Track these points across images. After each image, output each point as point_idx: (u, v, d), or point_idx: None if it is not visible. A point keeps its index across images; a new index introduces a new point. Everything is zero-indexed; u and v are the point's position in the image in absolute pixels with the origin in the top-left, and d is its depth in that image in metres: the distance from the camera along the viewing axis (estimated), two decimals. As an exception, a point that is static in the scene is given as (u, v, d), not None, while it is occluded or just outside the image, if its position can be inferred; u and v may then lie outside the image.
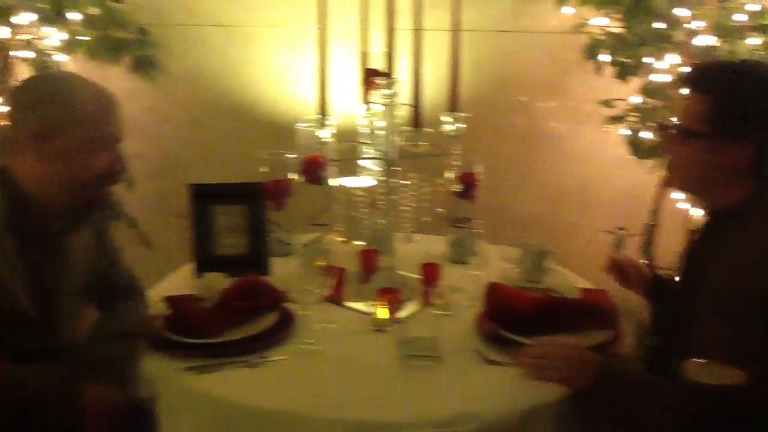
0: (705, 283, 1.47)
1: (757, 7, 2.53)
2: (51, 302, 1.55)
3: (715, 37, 2.55)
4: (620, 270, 1.83)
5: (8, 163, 1.51)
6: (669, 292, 1.70)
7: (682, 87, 1.50)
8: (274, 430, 1.34)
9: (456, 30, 1.86)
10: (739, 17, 2.55)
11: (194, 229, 2.04)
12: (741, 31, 2.55)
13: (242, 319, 1.64)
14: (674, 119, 1.51)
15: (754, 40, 2.48)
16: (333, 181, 2.17)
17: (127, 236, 2.46)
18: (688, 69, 1.59)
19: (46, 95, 1.48)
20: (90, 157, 1.49)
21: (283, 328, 1.64)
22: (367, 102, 1.97)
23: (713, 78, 1.47)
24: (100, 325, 1.64)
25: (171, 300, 1.66)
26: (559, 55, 2.94)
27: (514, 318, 1.62)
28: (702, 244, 1.57)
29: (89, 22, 2.59)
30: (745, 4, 2.56)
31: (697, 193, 1.59)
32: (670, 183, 1.62)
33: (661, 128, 1.55)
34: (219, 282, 1.72)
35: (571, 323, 1.63)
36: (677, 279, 1.63)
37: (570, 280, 2.02)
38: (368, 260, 2.03)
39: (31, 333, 1.50)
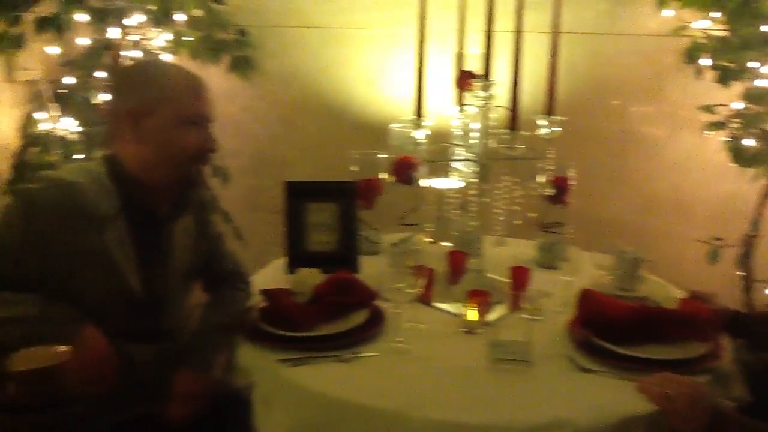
0: None
1: None
2: (158, 285, 1.62)
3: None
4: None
5: (113, 151, 1.60)
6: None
7: None
8: (364, 424, 1.36)
9: (555, 32, 1.83)
10: None
11: (287, 225, 2.09)
12: None
13: (334, 314, 1.68)
14: None
15: None
16: (424, 182, 2.18)
17: (222, 230, 2.54)
18: None
19: (137, 78, 1.59)
20: (181, 135, 1.55)
21: (374, 325, 1.67)
22: (461, 104, 1.98)
23: None
24: (204, 313, 1.71)
25: (267, 293, 1.71)
26: (657, 58, 2.86)
27: (608, 326, 1.58)
28: None
29: (192, 23, 2.70)
30: None
31: None
32: None
33: None
34: (312, 277, 1.76)
35: (668, 334, 1.59)
36: None
37: (666, 289, 1.96)
38: (457, 262, 2.03)
39: (139, 314, 1.58)
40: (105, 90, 2.42)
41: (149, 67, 1.68)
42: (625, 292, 1.89)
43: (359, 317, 1.68)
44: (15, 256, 1.40)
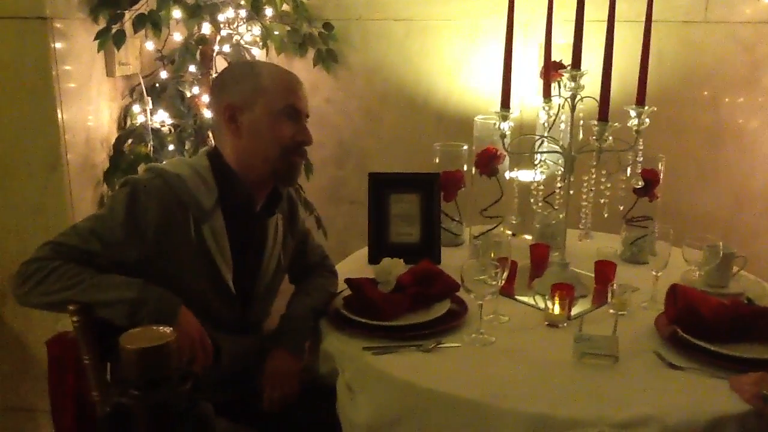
0: None
1: None
2: (250, 278, 1.68)
3: None
4: None
5: (215, 145, 1.67)
6: None
7: None
8: (448, 413, 1.38)
9: (648, 21, 1.79)
10: None
11: (371, 216, 2.13)
12: None
13: (417, 305, 1.70)
14: None
15: None
16: (509, 174, 2.17)
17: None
18: None
19: (235, 74, 1.66)
20: (277, 127, 1.60)
21: (457, 316, 1.68)
22: (547, 95, 1.96)
23: None
24: (294, 299, 1.76)
25: (351, 282, 1.75)
26: (754, 46, 2.73)
27: (699, 322, 1.54)
28: None
29: (280, 17, 2.76)
30: None
31: None
32: None
33: None
34: (396, 267, 1.78)
35: (763, 333, 1.53)
36: None
37: (762, 286, 1.89)
38: (540, 255, 2.02)
39: (230, 306, 1.65)
40: (197, 84, 2.52)
41: (246, 65, 1.76)
42: (716, 288, 1.83)
43: (442, 308, 1.69)
44: (120, 242, 1.48)
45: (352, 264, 2.11)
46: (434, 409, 1.39)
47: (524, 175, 2.17)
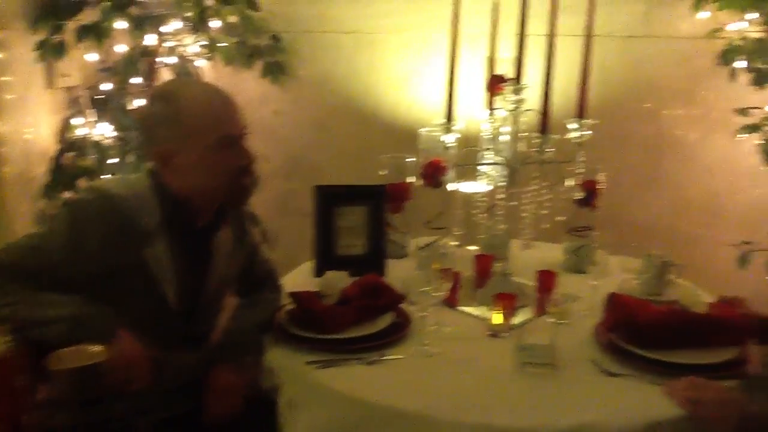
0: None
1: None
2: (195, 296, 1.66)
3: None
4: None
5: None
6: None
7: None
8: (390, 426, 1.38)
9: (589, 35, 1.83)
10: None
11: (316, 229, 2.12)
12: None
13: (361, 317, 1.70)
14: None
15: None
16: (452, 186, 2.19)
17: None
18: None
19: (157, 121, 1.56)
20: (215, 160, 1.56)
21: (401, 328, 1.68)
22: (491, 107, 1.99)
23: None
24: (238, 313, 1.75)
25: (295, 295, 1.74)
26: (691, 61, 2.83)
27: (636, 330, 1.58)
28: None
29: (227, 29, 2.75)
30: None
31: None
32: None
33: None
34: (340, 280, 1.78)
35: (697, 339, 1.58)
36: None
37: (695, 293, 1.94)
38: (483, 265, 2.04)
39: (175, 324, 1.62)
40: (140, 96, 2.48)
41: (166, 103, 1.56)
42: (653, 296, 1.88)
43: (386, 320, 1.69)
44: (60, 261, 1.45)
45: (298, 277, 2.09)
46: (377, 423, 1.39)
47: (468, 187, 2.19)
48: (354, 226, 2.14)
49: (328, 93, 2.92)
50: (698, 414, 1.35)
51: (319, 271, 2.02)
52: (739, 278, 2.57)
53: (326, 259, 2.10)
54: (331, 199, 2.14)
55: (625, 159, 2.90)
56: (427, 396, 1.42)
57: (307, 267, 2.15)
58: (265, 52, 2.85)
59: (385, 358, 1.57)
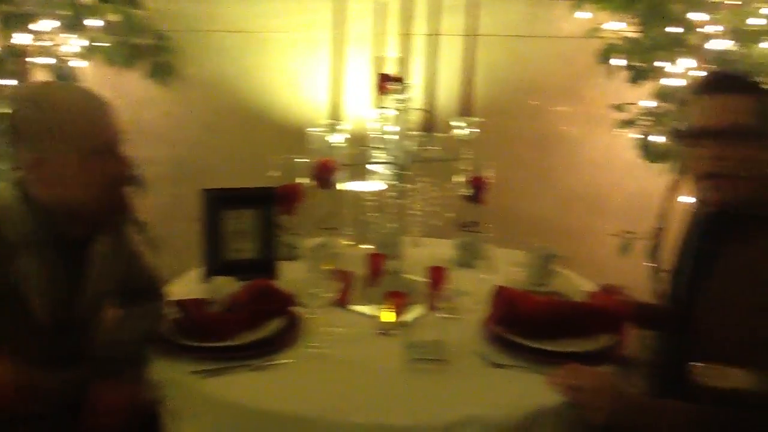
0: (718, 280, 1.46)
1: (772, 12, 2.51)
2: (69, 311, 1.57)
3: (731, 42, 2.53)
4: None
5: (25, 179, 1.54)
6: (671, 298, 1.69)
7: (713, 91, 1.48)
8: (279, 432, 1.36)
9: (471, 35, 1.87)
10: (755, 21, 2.53)
11: (204, 234, 2.06)
12: (756, 35, 2.53)
13: (251, 323, 1.66)
14: (712, 122, 1.45)
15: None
16: (343, 186, 2.19)
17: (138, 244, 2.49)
18: (710, 74, 1.57)
19: (27, 127, 1.47)
20: (88, 171, 1.48)
21: (290, 331, 1.66)
22: (379, 107, 1.99)
23: (747, 80, 1.51)
24: (118, 325, 1.67)
25: (180, 304, 1.68)
26: (573, 59, 2.94)
27: (520, 321, 1.62)
28: (705, 242, 1.55)
29: (108, 28, 2.63)
30: (760, 8, 2.54)
31: (742, 195, 1.47)
32: (720, 193, 1.47)
33: (713, 134, 1.44)
34: (228, 286, 1.74)
35: (578, 327, 1.63)
36: (676, 277, 1.61)
37: (577, 283, 2.02)
38: (375, 264, 2.05)
39: (47, 341, 1.53)
40: (11, 100, 2.33)
41: (37, 109, 1.46)
42: (538, 287, 1.94)
43: (276, 324, 1.66)
44: None
45: (186, 284, 2.03)
46: (264, 430, 1.36)
47: (359, 186, 2.19)
48: (243, 229, 2.10)
49: (217, 94, 2.85)
50: (578, 400, 1.39)
51: (209, 277, 1.97)
52: (621, 266, 2.69)
53: (215, 264, 2.05)
54: (218, 203, 2.09)
55: (514, 155, 2.98)
56: (315, 399, 1.40)
57: (196, 273, 2.09)
58: (151, 51, 2.75)
59: (273, 363, 1.54)
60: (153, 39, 2.74)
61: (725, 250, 1.48)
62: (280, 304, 1.72)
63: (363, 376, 1.51)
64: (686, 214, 1.70)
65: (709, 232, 1.56)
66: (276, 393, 1.43)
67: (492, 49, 2.90)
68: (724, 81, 1.52)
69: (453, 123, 1.93)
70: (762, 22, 2.52)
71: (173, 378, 1.50)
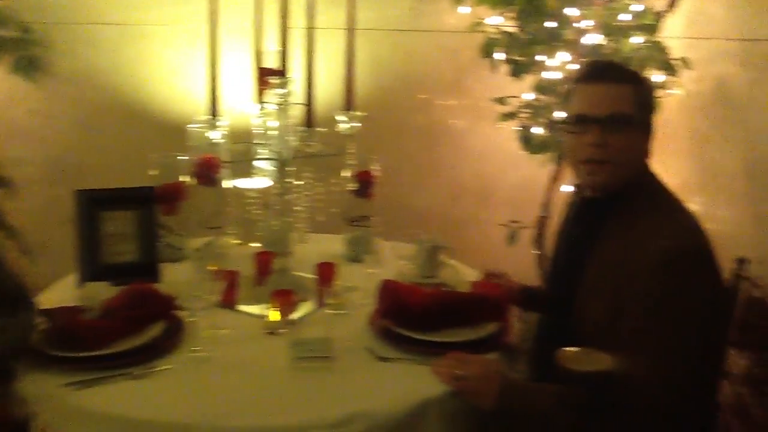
0: (592, 265, 1.52)
1: (640, 8, 2.64)
2: None
3: (602, 36, 2.64)
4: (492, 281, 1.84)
5: None
6: (551, 282, 1.75)
7: (595, 80, 1.52)
8: (159, 442, 1.30)
9: (350, 28, 1.85)
10: (624, 17, 2.65)
11: (80, 237, 1.95)
12: (625, 30, 2.65)
13: (127, 329, 1.58)
14: (594, 111, 1.48)
15: (637, 39, 2.59)
16: (227, 183, 2.13)
17: (7, 247, 2.33)
18: (591, 63, 1.63)
19: None
20: None
21: (171, 336, 1.59)
22: (260, 102, 1.95)
23: (623, 69, 1.57)
24: None
25: (49, 312, 1.58)
26: (457, 53, 2.99)
27: (406, 314, 1.63)
28: (582, 227, 1.61)
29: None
30: (629, 4, 2.66)
31: (619, 181, 1.52)
32: (600, 178, 1.52)
33: (595, 121, 1.48)
34: (103, 291, 1.65)
35: (463, 317, 1.66)
36: (555, 262, 1.66)
37: (462, 273, 2.05)
38: (263, 262, 2.01)
39: None
40: None
41: None
42: (426, 279, 1.96)
43: (155, 330, 1.59)
44: None
45: (59, 291, 1.91)
46: (141, 440, 1.30)
47: (244, 184, 2.14)
48: (122, 231, 2.00)
49: (91, 89, 2.70)
50: (463, 389, 1.41)
51: (83, 283, 1.87)
52: (510, 255, 2.77)
53: (92, 269, 1.94)
54: (94, 204, 1.98)
55: (402, 148, 3.01)
56: (196, 404, 1.36)
57: (70, 280, 1.97)
58: (15, 45, 2.57)
59: (154, 370, 1.48)
60: (18, 32, 2.56)
61: (600, 235, 1.53)
62: (159, 308, 1.65)
63: (248, 378, 1.48)
64: (566, 201, 1.76)
65: (584, 219, 1.62)
66: (156, 401, 1.37)
67: (377, 43, 2.91)
68: (605, 70, 1.57)
69: (337, 117, 1.91)
70: (629, 18, 2.65)
71: (45, 392, 1.41)
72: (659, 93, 2.44)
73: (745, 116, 2.27)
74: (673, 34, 2.59)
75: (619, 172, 1.50)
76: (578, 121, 1.51)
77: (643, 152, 1.54)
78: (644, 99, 1.52)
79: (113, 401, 1.36)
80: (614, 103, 1.48)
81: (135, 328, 1.59)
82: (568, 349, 1.04)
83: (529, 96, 2.72)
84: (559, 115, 1.48)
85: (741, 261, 1.68)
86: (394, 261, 1.97)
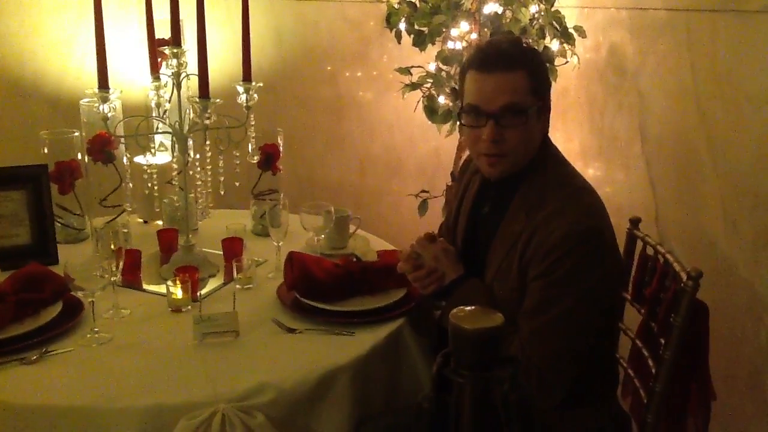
0: (495, 245, 1.51)
1: (537, -23, 2.69)
2: None
3: (500, 6, 2.68)
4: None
5: None
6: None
7: (487, 70, 1.44)
8: (56, 429, 1.26)
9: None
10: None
11: (-35, 221, 1.85)
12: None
13: (22, 313, 1.52)
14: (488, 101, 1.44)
15: (534, 8, 2.64)
16: (124, 159, 2.05)
17: None
18: (482, 49, 1.55)
19: None
20: None
21: (68, 319, 1.54)
22: (155, 73, 1.87)
23: (515, 52, 1.47)
24: None
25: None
26: (362, 24, 2.97)
27: (314, 286, 1.63)
28: (486, 206, 1.60)
29: None
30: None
31: (520, 166, 1.50)
32: (499, 169, 1.48)
33: (489, 116, 1.43)
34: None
35: (370, 285, 1.67)
36: (461, 240, 1.67)
37: (370, 243, 2.07)
38: (167, 240, 1.96)
39: None
40: None
41: None
42: (335, 250, 1.96)
43: (51, 312, 1.53)
44: None
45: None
46: (38, 428, 1.26)
47: (143, 159, 2.07)
48: (12, 213, 1.91)
49: (-29, 63, 2.53)
50: (421, 264, 1.53)
51: (-29, 269, 1.77)
52: (420, 225, 2.80)
53: (-20, 254, 1.84)
54: (-21, 186, 1.87)
55: (311, 120, 2.98)
56: (95, 387, 1.32)
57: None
58: None
59: (50, 353, 1.42)
60: None
61: (504, 216, 1.51)
62: (55, 290, 1.58)
63: (151, 358, 1.45)
64: (463, 171, 1.77)
65: (488, 196, 1.60)
66: (51, 386, 1.34)
67: (279, 13, 2.86)
68: (497, 58, 1.45)
69: (237, 88, 1.86)
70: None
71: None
72: (557, 62, 2.50)
73: (637, 83, 2.36)
74: (568, 3, 2.66)
75: (518, 161, 1.48)
76: (472, 112, 1.47)
77: (542, 132, 1.51)
78: (539, 80, 1.48)
79: (5, 388, 1.31)
80: (507, 94, 1.42)
81: (26, 312, 1.53)
82: (462, 308, 1.05)
83: (432, 66, 2.73)
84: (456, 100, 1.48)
85: (635, 221, 1.76)
86: (303, 233, 1.96)
